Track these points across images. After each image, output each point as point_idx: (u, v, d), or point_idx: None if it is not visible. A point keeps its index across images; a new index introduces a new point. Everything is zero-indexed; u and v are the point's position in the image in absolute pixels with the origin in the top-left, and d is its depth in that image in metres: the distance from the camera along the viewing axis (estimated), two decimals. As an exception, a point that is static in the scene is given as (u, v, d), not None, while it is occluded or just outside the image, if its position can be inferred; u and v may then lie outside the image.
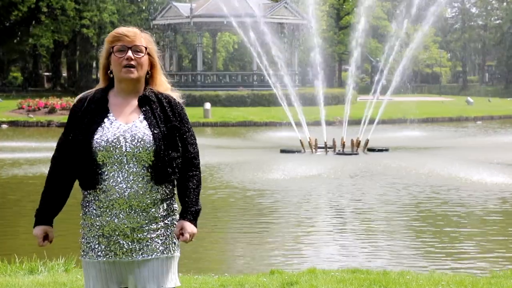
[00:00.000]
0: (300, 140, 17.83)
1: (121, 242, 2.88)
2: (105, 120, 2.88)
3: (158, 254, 2.91)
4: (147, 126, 2.87)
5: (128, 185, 2.83)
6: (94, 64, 49.64)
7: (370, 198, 11.13)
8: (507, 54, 64.08)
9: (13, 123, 27.59)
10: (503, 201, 10.78)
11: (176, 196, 3.00)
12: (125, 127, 2.87)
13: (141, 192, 2.85)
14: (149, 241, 2.89)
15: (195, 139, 3.02)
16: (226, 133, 24.95)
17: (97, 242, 2.90)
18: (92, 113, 2.89)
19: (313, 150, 17.59)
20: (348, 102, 20.44)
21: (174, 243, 2.96)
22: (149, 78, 2.98)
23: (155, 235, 2.90)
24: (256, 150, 18.36)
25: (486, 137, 22.85)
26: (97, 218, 2.88)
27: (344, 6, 55.48)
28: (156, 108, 2.92)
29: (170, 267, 2.95)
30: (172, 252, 2.95)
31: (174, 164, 2.89)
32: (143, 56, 2.91)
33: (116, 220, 2.86)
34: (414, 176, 13.31)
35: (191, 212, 2.92)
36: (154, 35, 43.58)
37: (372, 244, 8.11)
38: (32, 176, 13.28)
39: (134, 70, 2.89)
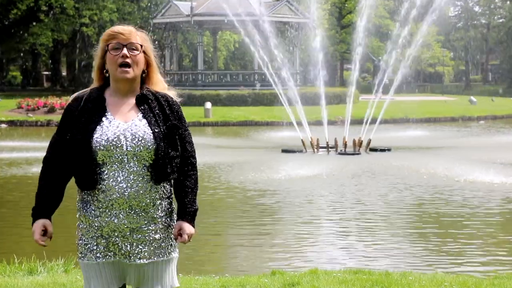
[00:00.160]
0: (302, 140, 17.78)
1: (119, 243, 2.85)
2: (103, 119, 2.85)
3: (158, 255, 2.89)
4: (147, 125, 2.85)
5: (129, 184, 2.81)
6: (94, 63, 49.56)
7: (372, 198, 11.07)
8: (510, 53, 63.96)
9: (12, 123, 27.56)
10: (507, 201, 10.72)
11: (173, 196, 2.99)
12: (124, 126, 2.84)
13: (141, 192, 2.83)
14: (148, 242, 2.87)
15: (191, 138, 3.02)
16: (227, 133, 24.90)
17: (95, 243, 2.87)
18: (89, 112, 2.86)
19: (315, 150, 17.53)
20: (350, 101, 20.39)
21: (172, 244, 2.95)
22: (145, 77, 2.95)
23: (154, 236, 2.88)
24: (257, 150, 18.32)
25: (489, 137, 22.78)
26: (96, 219, 2.85)
27: (346, 5, 55.46)
28: (154, 107, 2.90)
29: (169, 268, 2.94)
30: (171, 253, 2.94)
31: (173, 163, 2.88)
32: (138, 54, 2.89)
33: (116, 220, 2.83)
34: (416, 176, 13.25)
35: (189, 213, 2.92)
36: (155, 33, 43.61)
37: (374, 244, 8.06)
38: (31, 176, 13.22)
39: (130, 70, 2.87)
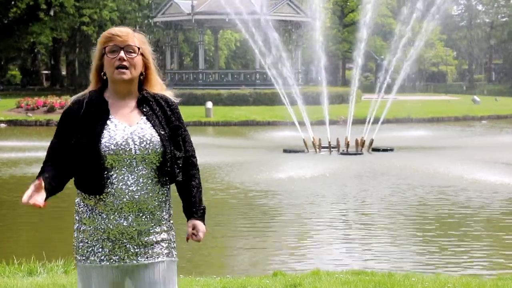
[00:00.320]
0: (304, 140, 17.73)
1: (127, 245, 2.85)
2: (108, 122, 2.83)
3: (162, 257, 2.91)
4: (152, 127, 2.85)
5: (139, 187, 2.81)
6: (94, 62, 49.60)
7: (375, 199, 11.01)
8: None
9: (11, 122, 27.46)
10: (511, 201, 10.65)
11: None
12: (130, 129, 2.84)
13: (150, 194, 2.84)
14: (154, 244, 2.89)
15: (190, 137, 3.04)
16: (228, 133, 24.85)
17: (100, 246, 2.85)
18: (93, 116, 2.83)
19: (317, 150, 17.47)
20: (352, 100, 20.33)
21: (174, 246, 2.97)
22: (144, 79, 2.94)
23: (159, 238, 2.90)
24: (259, 150, 18.26)
25: (492, 137, 22.70)
26: (103, 222, 2.83)
27: (348, 4, 55.44)
28: (156, 109, 2.91)
29: (173, 270, 2.96)
30: (174, 255, 2.96)
31: (180, 164, 2.90)
32: (135, 57, 2.86)
33: (125, 223, 2.82)
34: (419, 176, 13.19)
35: (199, 211, 2.96)
36: (155, 32, 43.59)
37: (377, 245, 8.00)
38: (31, 176, 13.12)
39: (127, 71, 2.85)
